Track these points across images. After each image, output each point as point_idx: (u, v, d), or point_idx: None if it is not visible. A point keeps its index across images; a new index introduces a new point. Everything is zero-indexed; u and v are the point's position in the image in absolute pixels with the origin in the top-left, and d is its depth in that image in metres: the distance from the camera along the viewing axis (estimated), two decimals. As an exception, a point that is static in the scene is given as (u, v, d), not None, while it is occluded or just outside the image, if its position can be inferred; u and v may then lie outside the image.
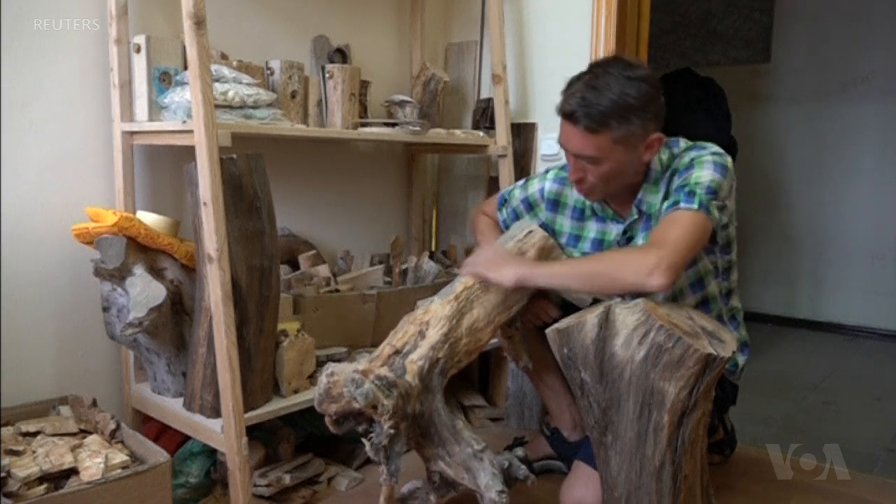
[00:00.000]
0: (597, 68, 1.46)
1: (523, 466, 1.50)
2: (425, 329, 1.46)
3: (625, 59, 1.49)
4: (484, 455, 1.41)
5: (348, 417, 1.37)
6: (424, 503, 1.54)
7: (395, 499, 1.57)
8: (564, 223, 1.73)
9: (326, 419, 1.38)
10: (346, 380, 1.33)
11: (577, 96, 1.42)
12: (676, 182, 1.49)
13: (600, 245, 1.66)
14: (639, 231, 1.59)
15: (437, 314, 1.47)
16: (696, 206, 1.40)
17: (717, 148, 1.51)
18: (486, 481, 1.38)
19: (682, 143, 1.57)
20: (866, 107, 3.56)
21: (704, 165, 1.47)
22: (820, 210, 3.75)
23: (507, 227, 1.81)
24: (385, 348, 1.45)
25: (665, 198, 1.51)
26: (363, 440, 1.38)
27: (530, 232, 1.65)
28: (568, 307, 1.62)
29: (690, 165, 1.49)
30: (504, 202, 1.84)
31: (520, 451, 1.65)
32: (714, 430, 1.83)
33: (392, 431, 1.33)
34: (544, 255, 1.63)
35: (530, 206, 1.78)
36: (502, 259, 1.53)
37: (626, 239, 1.61)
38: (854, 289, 3.67)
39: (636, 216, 1.58)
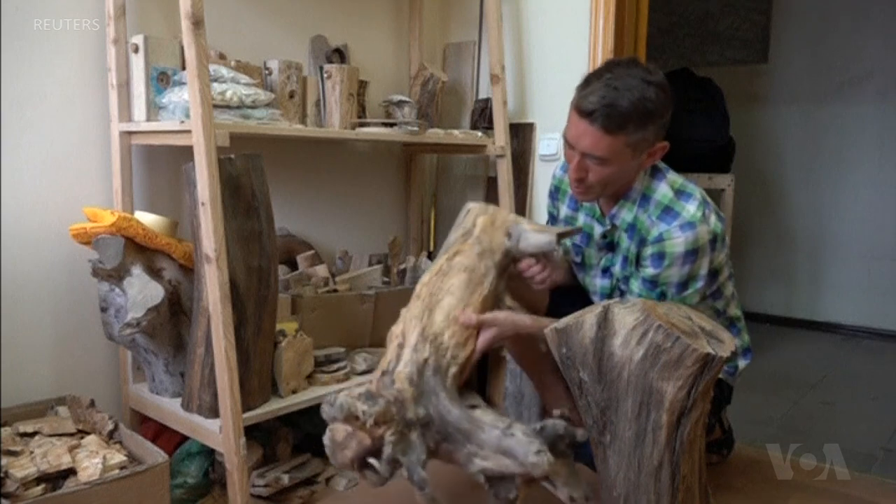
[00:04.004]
0: (617, 68, 1.45)
1: (561, 422, 1.33)
2: (402, 339, 1.41)
3: (642, 63, 1.49)
4: (513, 429, 1.30)
5: (369, 456, 1.29)
6: None
7: None
8: (562, 210, 1.79)
9: (356, 474, 1.32)
10: (322, 405, 1.29)
11: (598, 94, 1.41)
12: (648, 267, 1.50)
13: (587, 238, 1.71)
14: (618, 252, 1.63)
15: (409, 318, 1.43)
16: None
17: (689, 213, 1.48)
18: (524, 450, 1.26)
19: (665, 184, 1.54)
20: (864, 107, 3.56)
21: (675, 261, 1.47)
22: (818, 210, 3.75)
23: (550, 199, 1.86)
24: (375, 375, 1.40)
25: (639, 246, 1.54)
26: (372, 462, 1.29)
27: (468, 211, 1.60)
28: (561, 304, 1.64)
29: (661, 255, 1.47)
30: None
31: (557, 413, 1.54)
32: (711, 429, 1.83)
33: (393, 438, 1.27)
34: (490, 222, 1.56)
35: (553, 199, 1.86)
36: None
37: (607, 244, 1.65)
38: (852, 289, 3.67)
39: (609, 226, 1.62)
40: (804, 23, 3.69)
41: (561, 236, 1.54)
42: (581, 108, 1.44)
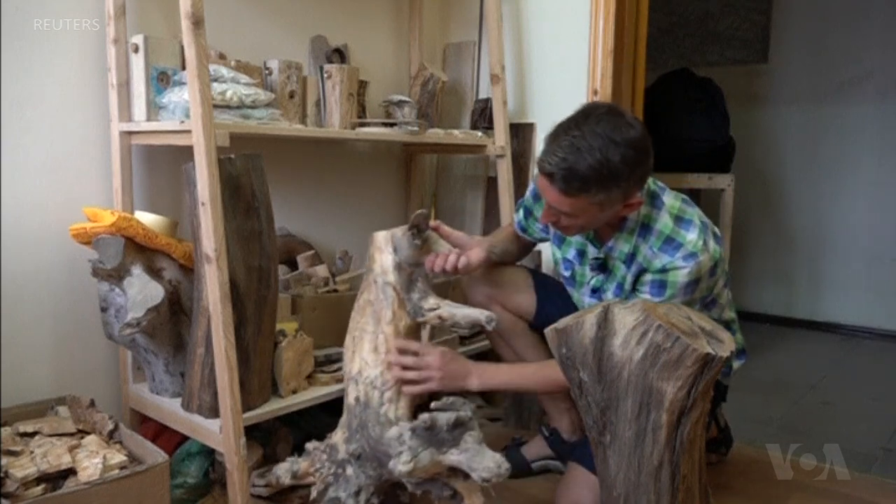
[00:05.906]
0: (584, 125, 1.37)
1: (428, 414, 1.36)
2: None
3: (620, 115, 1.40)
4: (403, 436, 1.38)
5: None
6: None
7: None
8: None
9: None
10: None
11: (559, 156, 1.36)
12: (647, 294, 1.49)
13: (581, 256, 1.68)
14: (611, 279, 1.60)
15: (345, 374, 1.60)
16: None
17: (692, 243, 1.46)
18: (394, 462, 1.36)
19: (665, 213, 1.51)
20: (864, 107, 3.57)
21: (678, 292, 1.46)
22: (818, 210, 3.75)
23: (522, 228, 1.82)
24: None
25: (636, 275, 1.52)
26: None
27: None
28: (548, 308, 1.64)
29: (663, 284, 1.47)
30: (521, 203, 1.84)
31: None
32: (707, 428, 1.83)
33: (321, 486, 1.47)
34: (376, 248, 1.58)
35: (536, 199, 1.78)
36: (456, 369, 1.54)
37: (599, 265, 1.62)
38: (852, 289, 3.67)
39: (604, 256, 1.60)
40: (804, 23, 3.69)
41: (413, 226, 1.54)
42: (541, 168, 1.41)
